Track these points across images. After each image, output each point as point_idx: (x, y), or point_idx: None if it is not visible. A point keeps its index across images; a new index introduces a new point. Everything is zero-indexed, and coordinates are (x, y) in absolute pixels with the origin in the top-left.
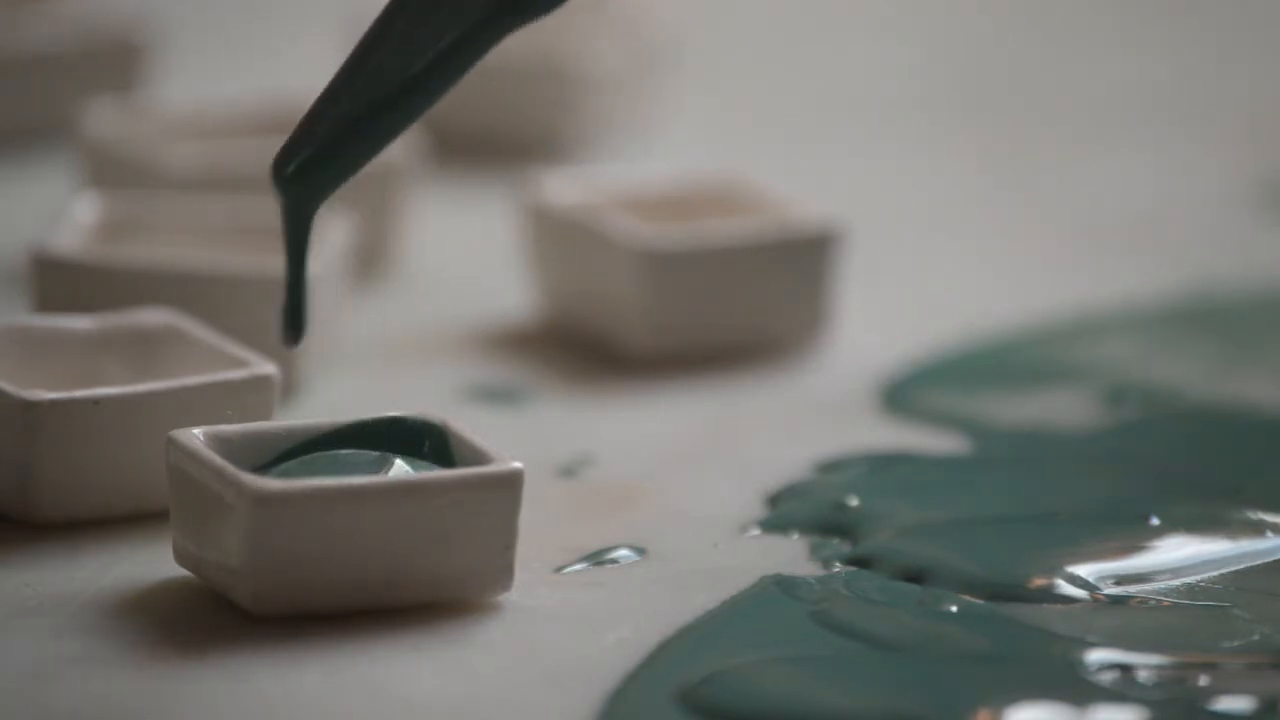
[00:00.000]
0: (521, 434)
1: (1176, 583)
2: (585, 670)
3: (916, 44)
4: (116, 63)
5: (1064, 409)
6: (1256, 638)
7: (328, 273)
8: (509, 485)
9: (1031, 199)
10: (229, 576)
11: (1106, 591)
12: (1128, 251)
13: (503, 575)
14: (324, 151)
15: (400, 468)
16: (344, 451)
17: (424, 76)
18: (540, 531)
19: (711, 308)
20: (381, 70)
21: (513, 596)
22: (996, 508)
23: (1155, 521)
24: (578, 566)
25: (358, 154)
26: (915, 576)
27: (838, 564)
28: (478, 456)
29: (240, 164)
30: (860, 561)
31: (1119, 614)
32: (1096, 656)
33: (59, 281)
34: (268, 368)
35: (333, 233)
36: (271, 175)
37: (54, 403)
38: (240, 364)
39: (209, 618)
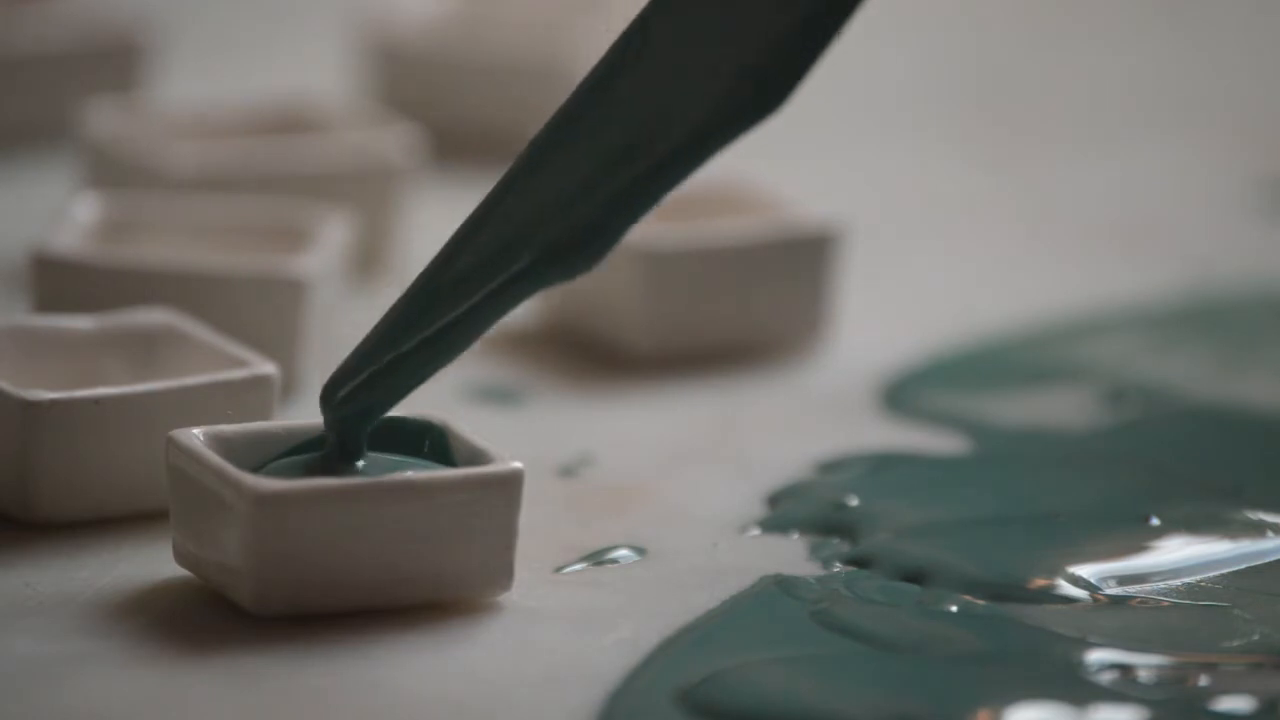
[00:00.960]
0: (521, 434)
1: (1176, 583)
2: (585, 670)
3: (917, 44)
4: (116, 63)
5: (1064, 409)
6: (1256, 638)
7: (327, 272)
8: (509, 485)
9: (1031, 199)
10: (229, 576)
11: (1107, 591)
12: (1128, 251)
13: (503, 575)
14: (367, 385)
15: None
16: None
17: (464, 320)
18: (540, 531)
19: (711, 308)
20: (426, 315)
21: (513, 596)
22: (996, 508)
23: (1155, 521)
24: (578, 566)
25: (402, 385)
26: (915, 576)
27: (838, 564)
28: (478, 456)
29: (240, 164)
30: (860, 561)
31: (1119, 614)
32: (1096, 656)
33: (59, 281)
34: (268, 368)
35: (332, 232)
36: (321, 400)
37: (54, 402)
38: (240, 364)
39: (209, 618)
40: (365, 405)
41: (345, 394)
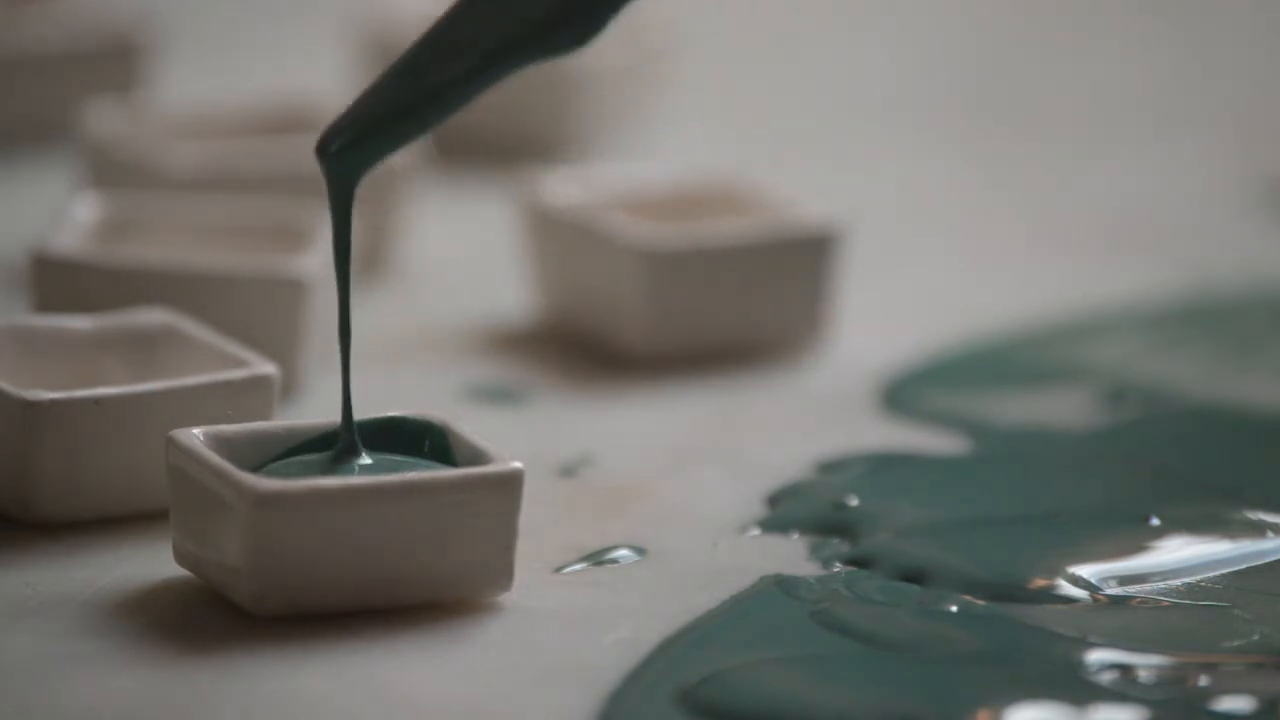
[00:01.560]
0: (521, 434)
1: (1176, 583)
2: (585, 670)
3: (916, 44)
4: (116, 63)
5: (1064, 409)
6: (1256, 638)
7: (327, 272)
8: (509, 485)
9: (1031, 199)
10: (229, 576)
11: (1107, 591)
12: (1127, 251)
13: (503, 575)
14: (364, 134)
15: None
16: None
17: (461, 81)
18: (540, 531)
19: (711, 308)
20: (424, 72)
21: (513, 596)
22: (996, 508)
23: (1155, 521)
24: (578, 566)
25: (394, 139)
26: (915, 576)
27: (838, 564)
28: (478, 456)
29: (240, 164)
30: (860, 561)
31: (1119, 614)
32: (1096, 656)
33: (59, 281)
34: (267, 368)
35: None
36: (316, 151)
37: (54, 403)
38: (240, 364)
39: (209, 618)
40: (359, 156)
41: (341, 144)
